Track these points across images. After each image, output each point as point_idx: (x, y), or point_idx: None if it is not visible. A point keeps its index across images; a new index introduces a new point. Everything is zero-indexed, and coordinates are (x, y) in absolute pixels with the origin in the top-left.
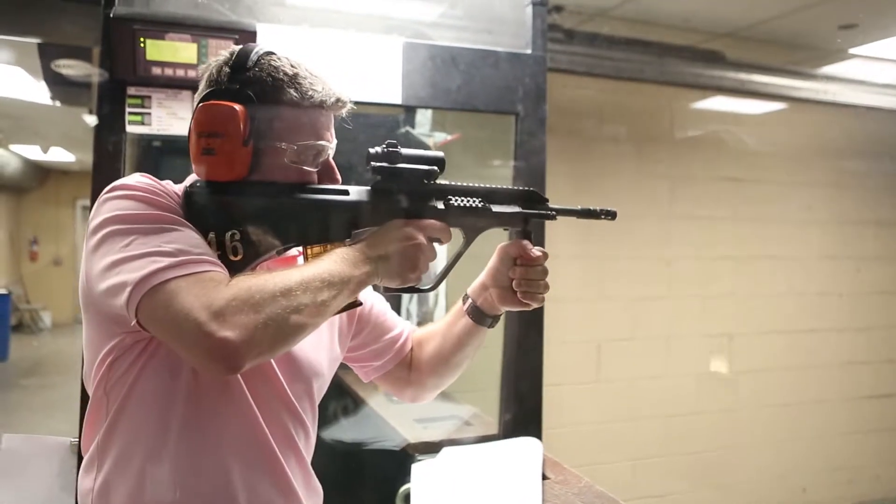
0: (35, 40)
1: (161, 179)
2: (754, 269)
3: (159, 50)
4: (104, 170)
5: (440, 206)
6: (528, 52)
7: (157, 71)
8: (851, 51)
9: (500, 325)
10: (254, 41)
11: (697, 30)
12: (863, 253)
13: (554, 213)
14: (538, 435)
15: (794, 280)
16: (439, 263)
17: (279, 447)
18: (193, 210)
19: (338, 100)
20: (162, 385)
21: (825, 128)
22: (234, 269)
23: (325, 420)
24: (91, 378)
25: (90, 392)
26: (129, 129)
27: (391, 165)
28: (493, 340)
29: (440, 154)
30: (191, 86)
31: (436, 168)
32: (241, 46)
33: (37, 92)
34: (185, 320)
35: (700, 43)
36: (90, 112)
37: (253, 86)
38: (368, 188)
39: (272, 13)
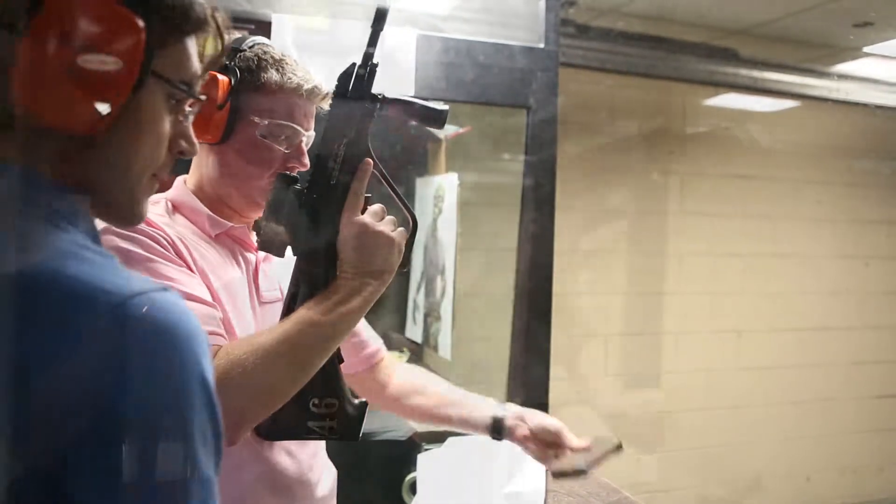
0: None
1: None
2: (764, 267)
3: None
4: None
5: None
6: (541, 46)
7: None
8: (866, 49)
9: (508, 317)
10: (269, 31)
11: (711, 26)
12: (874, 252)
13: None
14: None
15: (803, 278)
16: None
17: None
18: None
19: (315, 87)
20: None
21: (838, 126)
22: None
23: None
24: None
25: None
26: None
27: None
28: (502, 332)
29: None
30: None
31: (292, 178)
32: (243, 34)
33: None
34: None
35: (713, 39)
36: None
37: (240, 63)
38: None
39: (287, 3)
